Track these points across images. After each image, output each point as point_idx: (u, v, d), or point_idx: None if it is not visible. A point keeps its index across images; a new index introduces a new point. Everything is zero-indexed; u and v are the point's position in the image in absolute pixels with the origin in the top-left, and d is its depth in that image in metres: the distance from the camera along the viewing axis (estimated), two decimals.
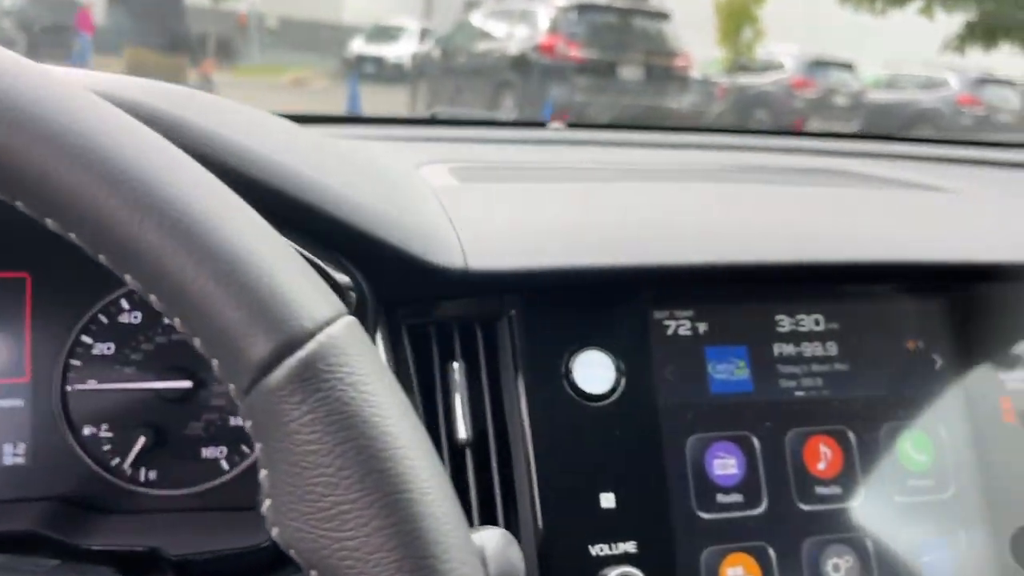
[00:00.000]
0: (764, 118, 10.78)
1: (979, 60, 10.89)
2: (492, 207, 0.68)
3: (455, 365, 0.61)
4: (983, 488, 0.66)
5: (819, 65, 11.19)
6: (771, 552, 0.62)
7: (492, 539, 0.41)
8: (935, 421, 0.67)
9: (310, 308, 0.31)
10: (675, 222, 0.68)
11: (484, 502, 0.61)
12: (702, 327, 0.65)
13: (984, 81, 10.56)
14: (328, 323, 0.32)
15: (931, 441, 0.66)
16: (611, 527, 0.59)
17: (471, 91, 9.87)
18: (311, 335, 0.31)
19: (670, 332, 0.64)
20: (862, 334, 0.68)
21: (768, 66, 11.74)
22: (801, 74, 11.11)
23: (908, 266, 0.67)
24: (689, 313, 0.65)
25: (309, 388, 0.30)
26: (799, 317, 0.67)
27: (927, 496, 0.65)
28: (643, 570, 0.58)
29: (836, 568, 0.62)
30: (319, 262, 0.47)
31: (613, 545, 0.59)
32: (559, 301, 0.62)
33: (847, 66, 11.38)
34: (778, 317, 0.67)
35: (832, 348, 0.67)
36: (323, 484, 0.30)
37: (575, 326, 0.62)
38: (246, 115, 0.62)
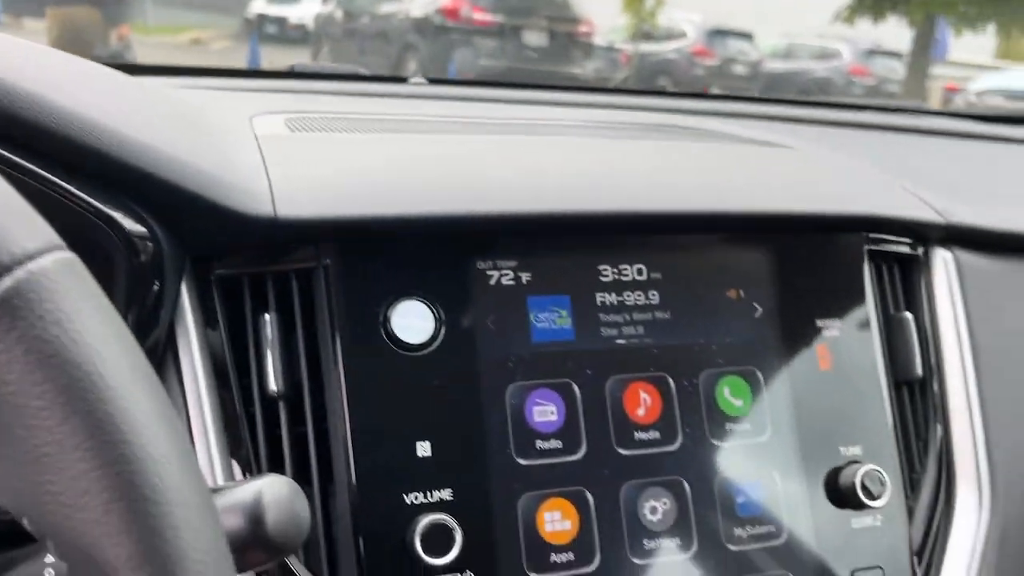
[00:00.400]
0: (667, 85, 10.93)
1: (868, 31, 11.28)
2: (314, 156, 0.66)
3: (266, 317, 0.60)
4: (798, 433, 0.69)
5: (719, 34, 11.40)
6: (589, 496, 0.63)
7: (271, 486, 0.40)
8: (753, 368, 0.69)
9: (7, 241, 0.29)
10: (497, 173, 0.68)
11: (301, 457, 0.60)
12: (525, 277, 0.65)
13: (873, 52, 10.95)
14: (31, 257, 0.30)
15: (749, 387, 0.68)
16: (426, 476, 0.59)
17: (374, 53, 9.69)
18: (7, 268, 0.29)
19: (492, 282, 0.64)
20: (684, 283, 0.69)
21: (671, 34, 11.88)
22: (702, 43, 11.30)
23: (725, 216, 0.68)
24: (512, 263, 0.65)
25: (3, 325, 0.28)
26: (622, 267, 0.68)
27: (744, 440, 0.67)
28: (457, 517, 0.58)
29: (653, 511, 0.64)
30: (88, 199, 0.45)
31: (428, 493, 0.59)
32: (377, 251, 0.61)
33: (746, 35, 11.62)
34: (601, 267, 0.67)
35: (654, 297, 0.68)
36: (23, 426, 0.29)
37: (393, 276, 0.61)
38: (53, 60, 0.59)
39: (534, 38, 9.51)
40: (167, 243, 0.55)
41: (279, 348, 0.59)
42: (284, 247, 0.60)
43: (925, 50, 10.42)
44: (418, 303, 0.61)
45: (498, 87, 1.21)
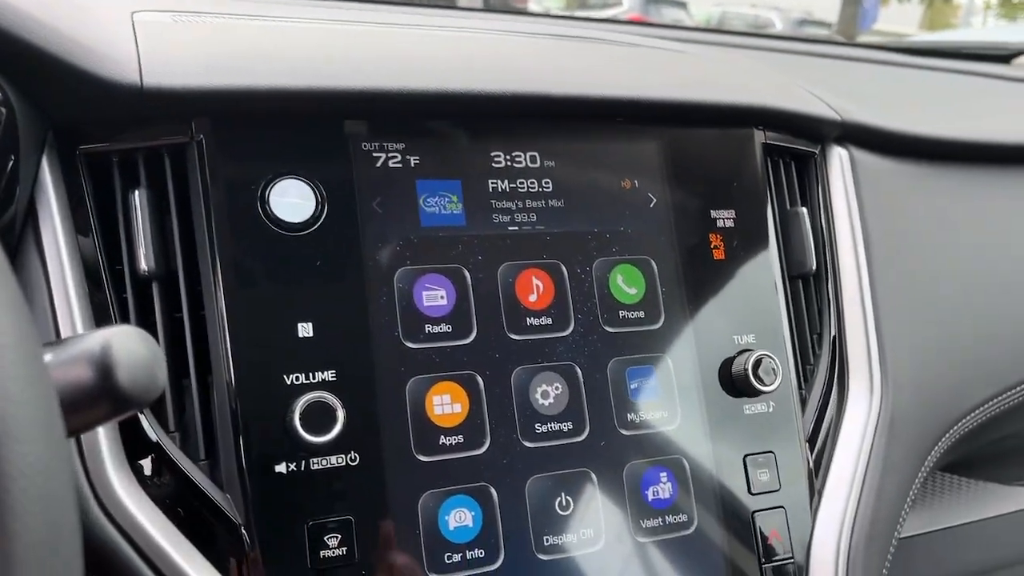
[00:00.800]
0: None
1: (800, 1, 11.43)
2: (189, 31, 0.63)
3: (136, 194, 0.57)
4: (692, 321, 0.69)
5: (654, 2, 11.42)
6: (479, 380, 0.62)
7: (119, 334, 0.38)
8: (647, 257, 0.69)
9: None
10: (379, 50, 0.66)
11: (177, 342, 0.58)
12: (414, 160, 0.63)
13: (804, 22, 11.11)
14: None
15: (643, 275, 0.68)
16: (308, 356, 0.57)
17: None
18: None
19: (379, 164, 0.62)
20: (578, 172, 0.68)
21: (607, 2, 11.87)
22: (638, 10, 11.31)
23: (615, 101, 0.67)
24: (400, 146, 0.63)
25: None
26: (515, 154, 0.66)
27: (637, 327, 0.67)
28: (340, 397, 0.56)
29: (545, 395, 0.64)
30: None
31: (310, 374, 0.57)
32: (254, 127, 0.59)
33: (681, 4, 11.67)
34: (494, 153, 0.66)
35: (548, 185, 0.67)
36: None
37: (272, 153, 0.59)
38: None
39: (468, 4, 9.38)
40: (22, 111, 0.52)
41: (150, 226, 0.57)
42: (155, 121, 0.58)
43: (852, 20, 10.61)
44: (298, 182, 0.59)
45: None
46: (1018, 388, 0.83)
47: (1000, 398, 0.82)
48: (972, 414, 0.81)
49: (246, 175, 0.58)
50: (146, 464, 0.55)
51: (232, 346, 0.56)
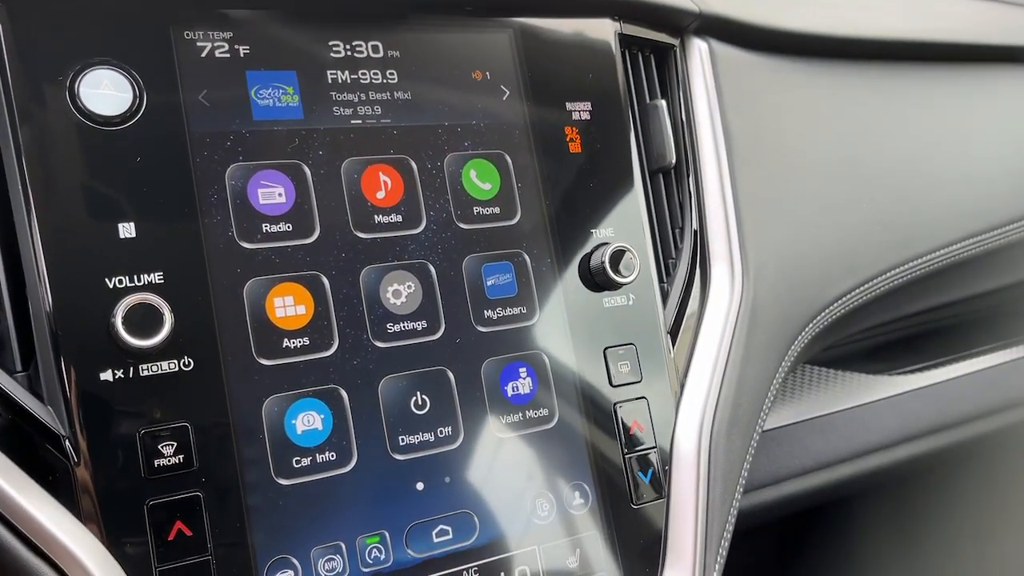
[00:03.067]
0: None
1: None
2: None
3: None
4: (550, 215, 0.67)
5: None
6: (325, 281, 0.59)
7: None
8: (501, 151, 0.67)
9: None
10: None
11: None
12: (243, 50, 0.59)
13: None
14: None
15: (496, 170, 0.66)
16: (131, 258, 0.54)
17: None
18: None
19: (203, 54, 0.58)
20: (425, 63, 0.65)
21: None
22: None
23: None
24: (227, 35, 0.59)
25: None
26: (355, 43, 0.63)
27: (493, 223, 0.65)
28: (169, 300, 0.53)
29: (397, 295, 0.61)
30: None
31: (134, 276, 0.53)
32: (60, 13, 0.54)
33: None
34: (332, 43, 0.62)
35: (392, 76, 0.64)
36: None
37: (81, 41, 0.54)
38: None
39: None
40: None
41: None
42: None
43: None
44: (112, 71, 0.55)
45: None
46: (879, 278, 0.85)
47: (862, 288, 0.83)
48: (835, 304, 0.82)
49: (51, 65, 0.53)
50: None
51: (46, 250, 0.52)
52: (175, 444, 0.53)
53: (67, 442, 0.51)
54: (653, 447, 0.68)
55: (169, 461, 0.53)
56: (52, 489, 0.51)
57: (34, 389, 0.52)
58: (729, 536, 0.71)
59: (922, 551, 1.22)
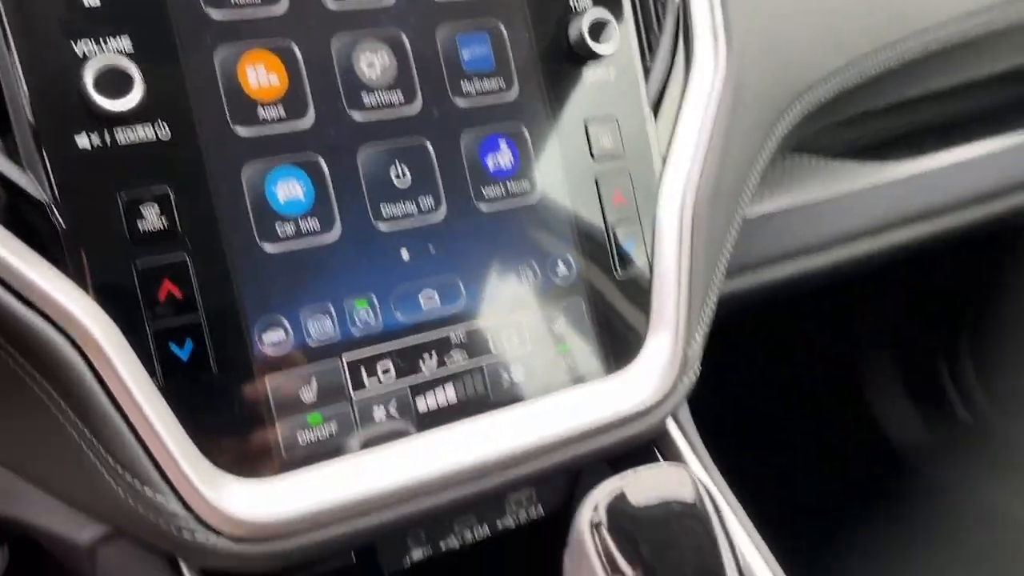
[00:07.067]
0: None
1: None
2: None
3: None
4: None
5: None
6: (295, 48, 0.59)
7: None
8: None
9: None
10: None
11: None
12: None
13: None
14: None
15: None
16: (97, 23, 0.53)
17: None
18: None
19: None
20: None
21: None
22: None
23: None
24: None
25: None
26: None
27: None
28: (138, 63, 0.53)
29: (371, 65, 0.61)
30: None
31: (101, 40, 0.53)
32: None
33: None
34: None
35: None
36: None
37: None
38: None
39: None
40: None
41: None
42: None
43: None
44: None
45: None
46: (869, 56, 0.83)
47: (849, 65, 0.82)
48: (821, 84, 0.81)
49: None
50: None
51: (10, 16, 0.51)
52: (156, 208, 0.54)
53: (51, 208, 0.52)
54: (635, 219, 0.69)
55: (153, 226, 0.54)
56: (47, 255, 0.52)
57: (14, 157, 0.53)
58: (712, 308, 0.73)
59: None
